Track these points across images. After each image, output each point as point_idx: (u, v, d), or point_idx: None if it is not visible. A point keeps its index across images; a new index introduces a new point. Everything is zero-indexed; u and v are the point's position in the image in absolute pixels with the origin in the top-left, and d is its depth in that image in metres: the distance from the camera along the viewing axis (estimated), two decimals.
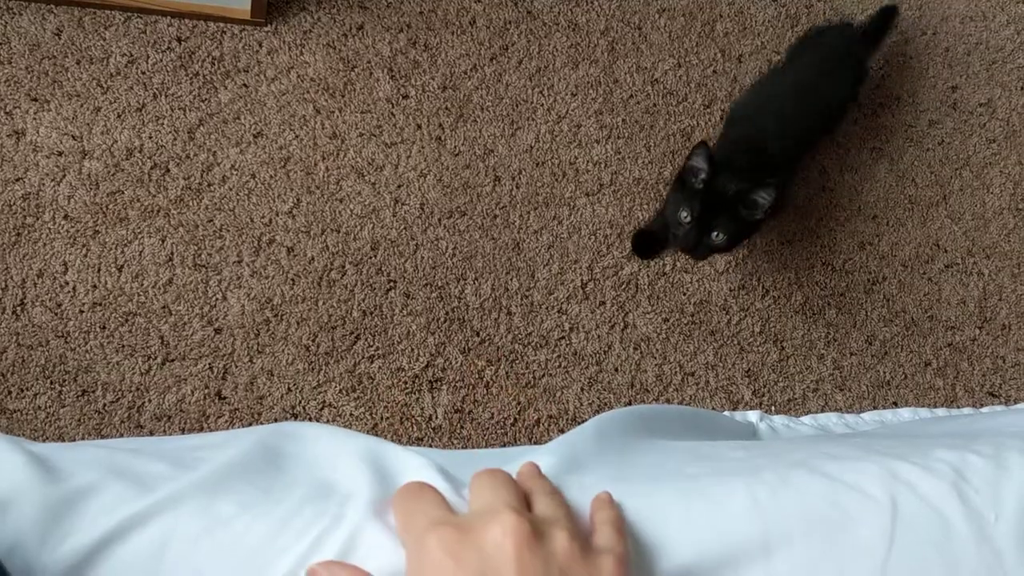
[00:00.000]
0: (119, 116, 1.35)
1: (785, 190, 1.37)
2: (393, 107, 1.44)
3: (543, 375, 1.39)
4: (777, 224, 1.51)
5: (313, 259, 1.36)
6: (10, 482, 0.48)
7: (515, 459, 0.58)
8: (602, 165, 1.48)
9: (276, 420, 1.30)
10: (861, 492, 0.55)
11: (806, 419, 1.33)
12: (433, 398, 1.35)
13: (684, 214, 1.21)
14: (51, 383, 1.26)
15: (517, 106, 1.48)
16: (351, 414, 1.32)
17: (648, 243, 1.43)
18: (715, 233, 1.20)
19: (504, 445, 1.35)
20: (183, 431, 1.28)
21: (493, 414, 1.36)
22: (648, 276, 1.45)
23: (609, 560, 0.45)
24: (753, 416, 1.30)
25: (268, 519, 0.49)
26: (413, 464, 0.54)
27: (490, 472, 0.49)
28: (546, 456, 0.59)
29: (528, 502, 0.48)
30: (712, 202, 1.19)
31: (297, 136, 1.40)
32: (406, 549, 0.46)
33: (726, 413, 1.34)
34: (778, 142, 1.30)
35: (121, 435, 1.26)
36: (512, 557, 0.42)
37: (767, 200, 1.17)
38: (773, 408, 1.43)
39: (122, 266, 1.31)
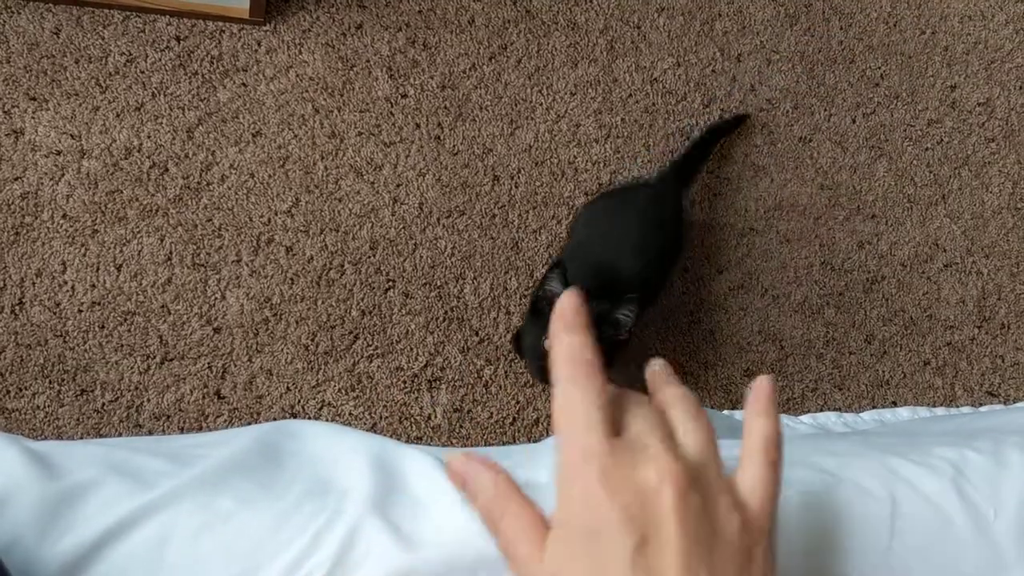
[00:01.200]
0: (118, 115, 1.35)
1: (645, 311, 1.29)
2: (392, 106, 1.44)
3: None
4: (775, 224, 1.51)
5: (312, 258, 1.36)
6: (8, 479, 0.48)
7: (514, 456, 0.58)
8: (601, 164, 1.48)
9: (275, 419, 1.30)
10: (861, 489, 0.55)
11: (805, 418, 1.33)
12: (432, 397, 1.35)
13: (547, 343, 1.16)
14: (50, 382, 1.26)
15: (516, 105, 1.48)
16: (350, 413, 1.32)
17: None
18: None
19: (503, 444, 1.35)
20: (182, 430, 1.28)
21: (492, 413, 1.36)
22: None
23: (752, 513, 0.42)
24: None
25: (268, 515, 0.49)
26: (415, 461, 0.54)
27: (636, 399, 0.45)
28: (546, 454, 0.59)
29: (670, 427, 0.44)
30: None
31: (296, 135, 1.40)
32: (557, 469, 0.43)
33: (726, 412, 1.35)
34: (628, 266, 1.26)
35: (120, 434, 1.26)
36: (672, 507, 0.40)
37: (630, 317, 1.13)
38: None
39: (121, 265, 1.31)
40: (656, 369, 0.49)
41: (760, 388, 0.47)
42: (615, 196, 1.39)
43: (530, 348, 1.23)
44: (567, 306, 0.47)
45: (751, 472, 0.44)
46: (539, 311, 1.19)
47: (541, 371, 1.20)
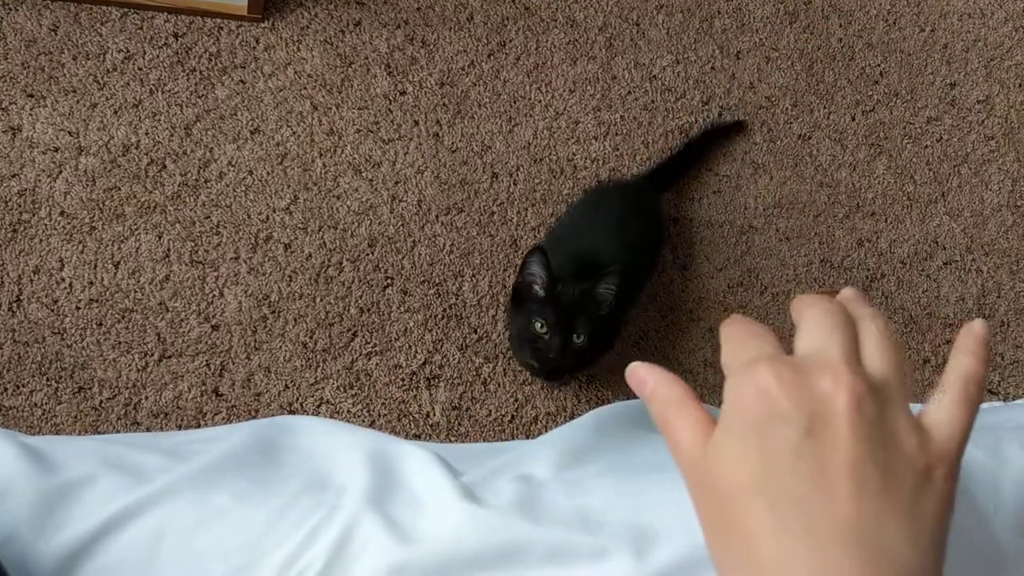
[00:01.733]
0: (116, 112, 1.35)
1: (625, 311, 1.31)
2: (390, 103, 1.44)
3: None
4: (775, 222, 1.51)
5: (310, 256, 1.36)
6: (5, 473, 0.48)
7: (512, 451, 0.58)
8: (600, 162, 1.48)
9: (273, 416, 1.29)
10: None
11: None
12: (431, 395, 1.34)
13: (539, 324, 1.16)
14: (47, 380, 1.25)
15: (515, 102, 1.48)
16: (348, 411, 1.31)
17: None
18: (576, 335, 1.16)
19: (502, 441, 1.35)
20: (180, 428, 1.27)
21: (491, 411, 1.35)
22: None
23: (935, 444, 0.40)
24: None
25: (264, 510, 0.48)
26: (413, 457, 0.54)
27: (821, 305, 0.44)
28: (545, 449, 0.59)
29: (856, 338, 0.43)
30: (563, 305, 1.16)
31: (294, 132, 1.40)
32: (729, 375, 0.42)
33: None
34: (607, 250, 1.27)
35: (117, 432, 1.26)
36: (844, 409, 0.38)
37: (612, 289, 1.15)
38: None
39: (119, 262, 1.31)
40: (847, 293, 0.47)
41: (973, 330, 0.45)
42: (595, 191, 1.41)
43: (516, 337, 1.24)
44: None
45: (944, 403, 0.42)
46: (522, 299, 1.20)
47: (533, 354, 1.20)
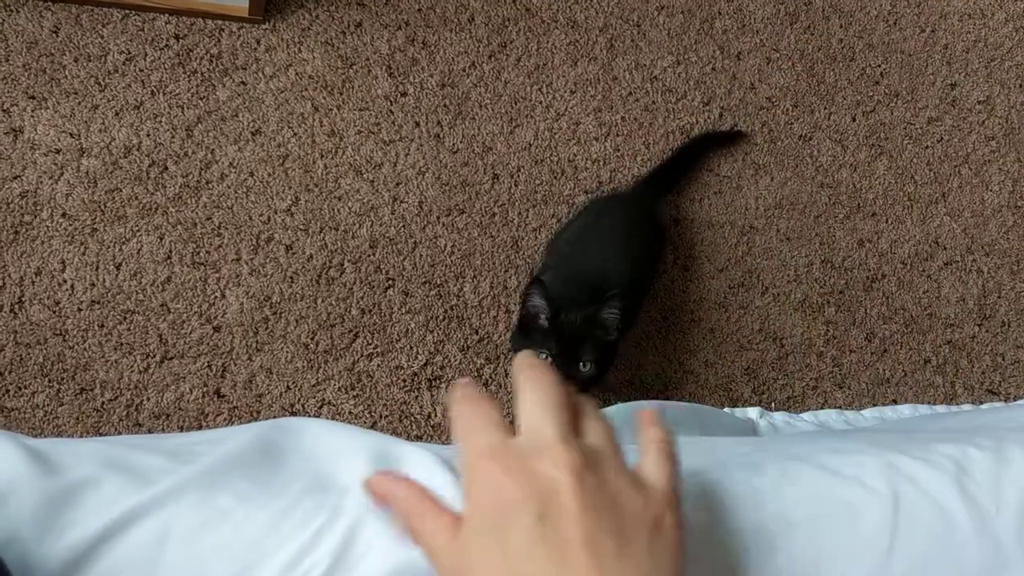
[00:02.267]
0: (117, 114, 1.35)
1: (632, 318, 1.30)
2: (391, 105, 1.44)
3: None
4: (776, 222, 1.51)
5: (312, 257, 1.36)
6: (7, 476, 0.47)
7: None
8: (601, 163, 1.48)
9: (275, 418, 1.29)
10: (863, 486, 0.55)
11: (806, 415, 1.33)
12: (432, 396, 1.34)
13: (543, 356, 1.14)
14: (49, 381, 1.25)
15: (516, 103, 1.48)
16: (350, 412, 1.31)
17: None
18: (583, 363, 1.14)
19: None
20: (182, 429, 1.27)
21: None
22: None
23: (657, 495, 0.45)
24: (753, 413, 1.30)
25: (267, 511, 0.48)
26: (416, 458, 0.54)
27: (538, 384, 0.49)
28: None
29: (576, 424, 0.48)
30: (567, 335, 1.14)
31: (295, 134, 1.40)
32: (462, 467, 0.47)
33: (726, 410, 1.34)
34: (609, 272, 1.25)
35: (119, 433, 1.26)
36: (568, 486, 0.43)
37: (616, 314, 1.13)
38: (773, 405, 1.43)
39: (120, 264, 1.31)
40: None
41: (645, 414, 0.51)
42: (594, 205, 1.40)
43: None
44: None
45: (650, 459, 0.47)
46: (528, 330, 1.18)
47: None
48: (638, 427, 0.51)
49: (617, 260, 1.26)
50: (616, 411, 0.71)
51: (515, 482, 0.43)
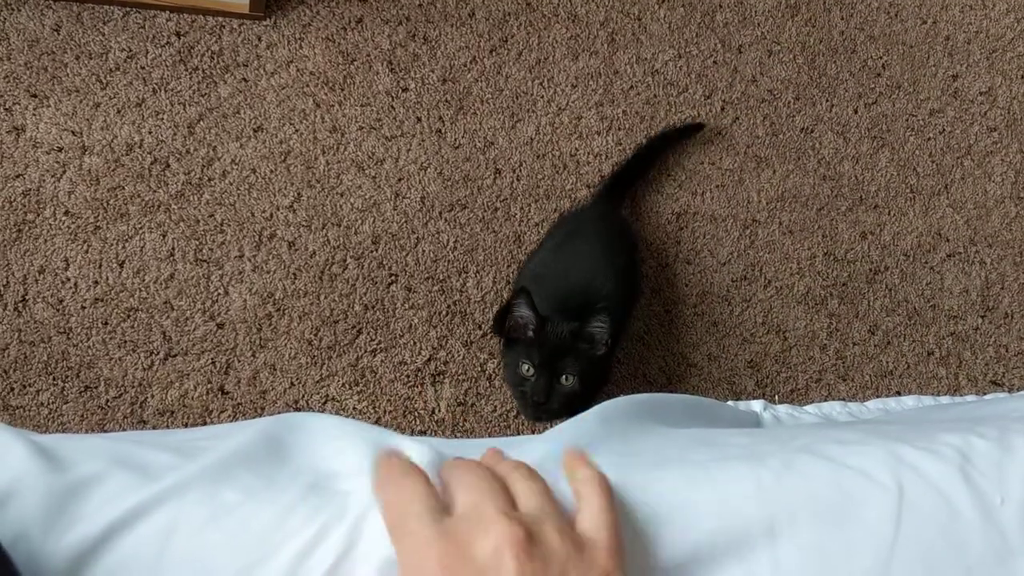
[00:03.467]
0: (119, 111, 1.35)
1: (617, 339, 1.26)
2: (393, 100, 1.44)
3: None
4: (778, 215, 1.51)
5: (314, 253, 1.36)
6: (14, 472, 0.48)
7: (520, 446, 0.58)
8: (603, 157, 1.48)
9: (279, 413, 1.30)
10: (867, 476, 0.55)
11: (810, 408, 1.33)
12: (436, 391, 1.35)
13: (525, 367, 1.13)
14: (53, 379, 1.26)
15: (517, 98, 1.48)
16: (354, 408, 1.32)
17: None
18: (564, 377, 1.12)
19: (507, 437, 1.35)
20: (186, 426, 1.28)
21: (496, 407, 1.36)
22: (650, 268, 1.45)
23: (601, 554, 0.45)
24: (757, 406, 1.29)
25: (273, 506, 0.48)
26: (415, 453, 0.54)
27: (465, 467, 0.49)
28: (549, 444, 0.59)
29: (508, 493, 0.48)
30: (550, 346, 1.13)
31: (297, 130, 1.40)
32: (398, 552, 0.45)
33: (729, 403, 1.34)
34: (592, 285, 1.23)
35: (124, 431, 1.26)
36: (513, 569, 0.42)
37: (603, 327, 1.11)
38: (776, 398, 1.43)
39: (123, 262, 1.31)
40: (490, 458, 0.52)
41: (571, 453, 0.51)
42: (558, 229, 1.37)
43: (506, 378, 1.22)
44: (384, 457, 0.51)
45: (588, 508, 0.47)
46: (514, 339, 1.17)
47: (520, 396, 1.18)
48: (567, 467, 0.50)
49: (597, 275, 1.24)
50: (616, 404, 0.70)
51: (452, 572, 0.42)
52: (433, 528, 0.44)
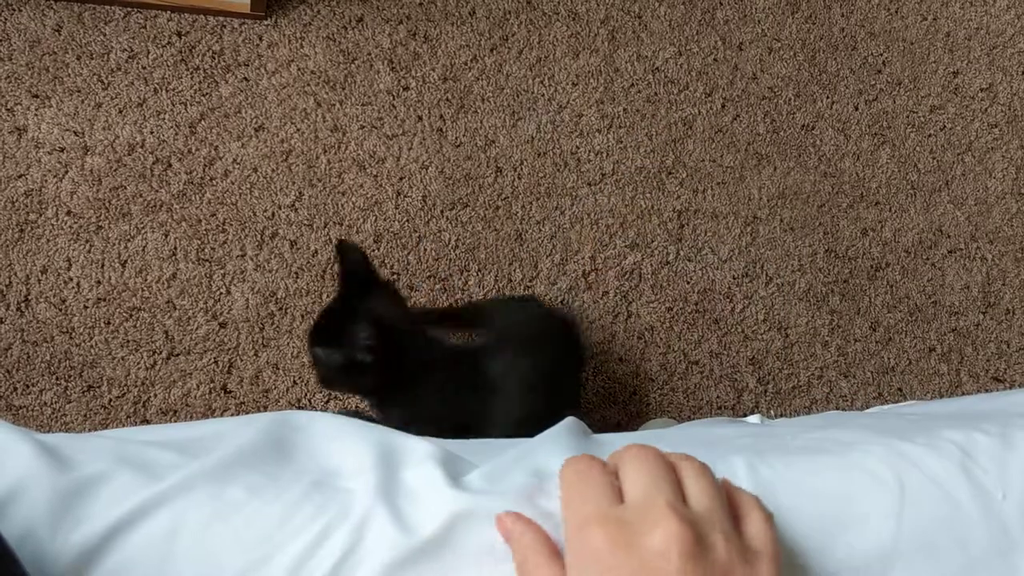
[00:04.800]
0: (120, 111, 1.36)
1: None
2: (394, 99, 1.44)
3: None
4: (779, 212, 1.51)
5: (316, 252, 1.36)
6: (20, 471, 0.48)
7: (525, 443, 0.58)
8: (604, 154, 1.48)
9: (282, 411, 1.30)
10: (868, 472, 0.55)
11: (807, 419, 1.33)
12: None
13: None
14: (56, 379, 1.26)
15: (518, 96, 1.48)
16: (357, 406, 1.32)
17: None
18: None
19: None
20: None
21: None
22: (651, 265, 1.45)
23: (764, 567, 0.45)
24: (754, 420, 1.30)
25: (278, 504, 0.49)
26: (417, 452, 0.54)
27: (641, 452, 0.48)
28: (559, 441, 0.59)
29: (680, 486, 0.47)
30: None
31: (298, 129, 1.40)
32: (567, 532, 0.45)
33: (724, 419, 1.34)
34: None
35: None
36: (677, 569, 0.42)
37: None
38: (778, 395, 1.43)
39: (126, 261, 1.31)
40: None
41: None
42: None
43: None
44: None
45: (754, 518, 0.47)
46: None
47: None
48: (738, 497, 0.49)
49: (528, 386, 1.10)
50: (667, 433, 0.70)
51: (620, 556, 0.42)
52: (608, 509, 0.44)
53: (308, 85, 1.42)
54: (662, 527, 0.43)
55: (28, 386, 1.25)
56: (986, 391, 1.51)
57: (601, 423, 1.37)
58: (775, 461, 0.55)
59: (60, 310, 1.28)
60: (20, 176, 1.31)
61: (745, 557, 0.44)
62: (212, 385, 1.29)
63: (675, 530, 0.42)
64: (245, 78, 1.40)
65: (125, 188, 1.33)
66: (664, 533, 0.42)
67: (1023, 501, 0.54)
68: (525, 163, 1.45)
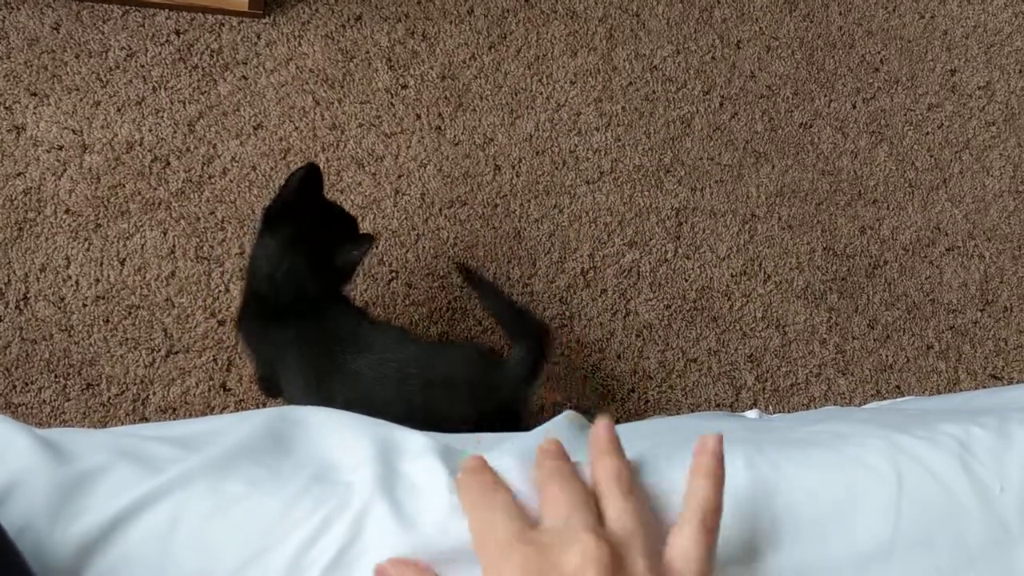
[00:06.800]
0: (119, 110, 1.36)
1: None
2: (392, 97, 1.44)
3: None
4: (777, 210, 1.51)
5: None
6: (20, 464, 0.48)
7: (523, 437, 0.58)
8: (602, 153, 1.48)
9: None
10: (866, 465, 0.55)
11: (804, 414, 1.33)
12: None
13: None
14: (56, 377, 1.26)
15: (516, 95, 1.48)
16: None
17: None
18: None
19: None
20: None
21: None
22: (649, 264, 1.45)
23: None
24: (752, 415, 1.30)
25: (277, 497, 0.49)
26: (416, 445, 0.54)
27: (562, 477, 0.47)
28: (559, 433, 0.59)
29: (597, 508, 0.47)
30: None
31: (297, 127, 1.40)
32: (482, 561, 0.45)
33: (723, 413, 1.35)
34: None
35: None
36: None
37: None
38: (776, 393, 1.44)
39: (124, 259, 1.31)
40: (600, 432, 0.50)
41: (707, 447, 0.48)
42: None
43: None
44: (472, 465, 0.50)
45: (685, 536, 0.45)
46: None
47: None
48: (692, 469, 0.48)
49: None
50: (651, 428, 0.70)
51: None
52: (519, 536, 0.44)
53: (306, 83, 1.42)
54: (578, 547, 0.42)
55: (27, 384, 1.25)
56: (984, 388, 1.51)
57: None
58: (773, 454, 0.55)
59: (59, 308, 1.28)
60: (19, 174, 1.31)
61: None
62: (211, 383, 1.29)
63: (592, 549, 0.42)
64: (244, 76, 1.40)
65: (124, 186, 1.33)
66: (581, 553, 0.42)
67: (1021, 494, 0.55)
68: (523, 161, 1.46)
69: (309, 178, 1.06)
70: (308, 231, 1.06)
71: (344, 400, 1.02)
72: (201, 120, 1.37)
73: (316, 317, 1.06)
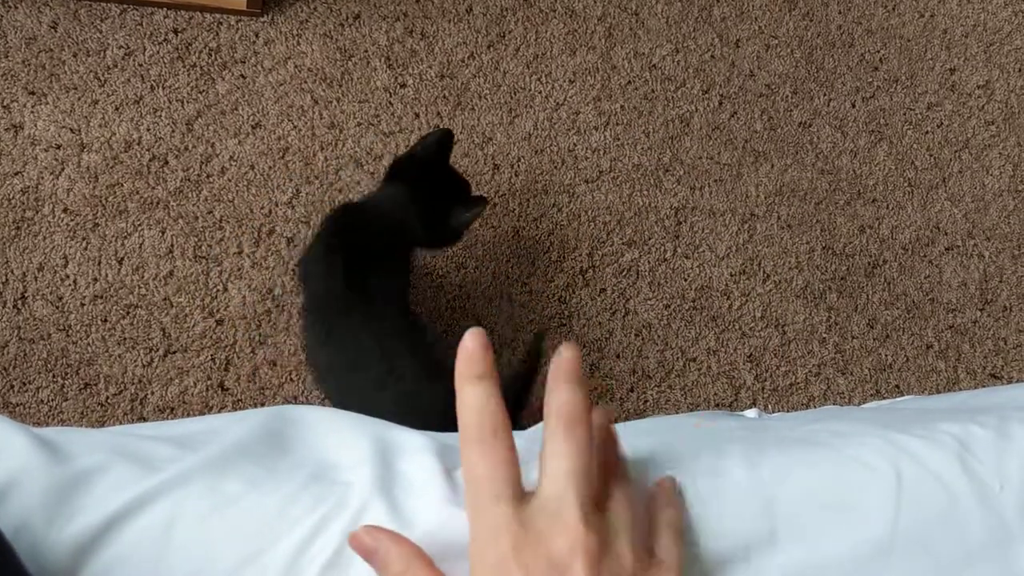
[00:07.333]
0: (117, 109, 1.35)
1: None
2: (391, 96, 1.44)
3: (544, 363, 1.39)
4: (776, 210, 1.51)
5: None
6: (15, 463, 0.48)
7: (521, 437, 0.58)
8: (601, 152, 1.48)
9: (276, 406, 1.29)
10: (865, 465, 0.55)
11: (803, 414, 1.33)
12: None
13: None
14: (53, 376, 1.26)
15: (515, 94, 1.48)
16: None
17: None
18: None
19: None
20: None
21: None
22: (649, 263, 1.45)
23: (668, 573, 0.45)
24: (751, 414, 1.30)
25: (275, 497, 0.49)
26: (414, 445, 0.54)
27: (572, 445, 0.46)
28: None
29: (598, 484, 0.46)
30: None
31: (295, 126, 1.40)
32: (470, 521, 0.45)
33: (723, 412, 1.34)
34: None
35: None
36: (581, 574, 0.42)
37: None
38: (776, 392, 1.43)
39: (122, 259, 1.31)
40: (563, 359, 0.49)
41: (664, 487, 0.50)
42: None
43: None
44: (472, 347, 0.47)
45: (664, 543, 0.47)
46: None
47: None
48: (654, 499, 0.49)
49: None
50: (651, 426, 0.70)
51: (522, 561, 0.42)
52: (511, 513, 0.44)
53: (305, 82, 1.42)
54: (568, 534, 0.43)
55: (24, 383, 1.25)
56: (983, 388, 1.51)
57: None
58: (772, 453, 0.55)
59: (57, 307, 1.28)
60: (16, 173, 1.31)
61: (646, 568, 0.44)
62: (209, 382, 1.29)
63: (580, 538, 0.42)
64: (242, 75, 1.40)
65: (122, 185, 1.33)
66: (570, 540, 0.42)
67: (1020, 493, 0.54)
68: (522, 160, 1.45)
69: (443, 142, 1.14)
70: (433, 189, 1.15)
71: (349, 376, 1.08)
72: (199, 119, 1.37)
73: (388, 282, 1.12)
